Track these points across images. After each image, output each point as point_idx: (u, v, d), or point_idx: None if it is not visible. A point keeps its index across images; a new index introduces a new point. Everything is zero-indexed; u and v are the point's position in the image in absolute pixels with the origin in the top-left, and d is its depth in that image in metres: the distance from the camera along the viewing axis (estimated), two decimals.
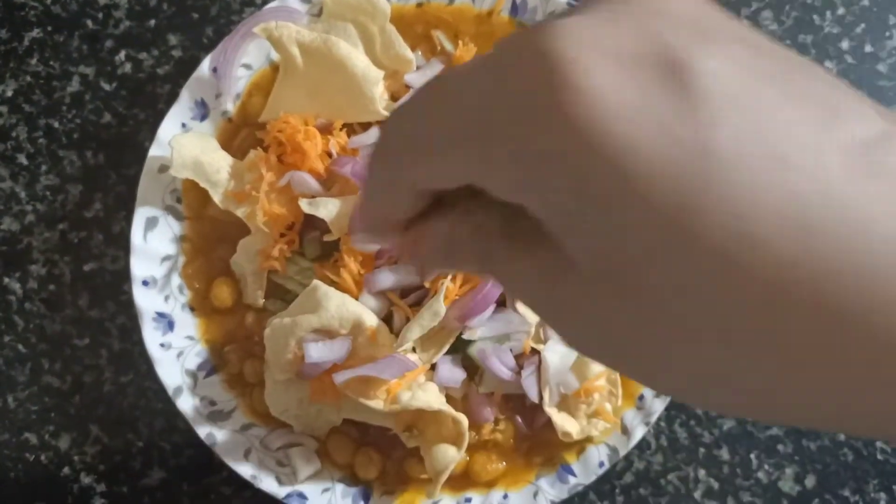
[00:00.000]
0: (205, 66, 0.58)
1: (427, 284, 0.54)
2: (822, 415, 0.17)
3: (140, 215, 0.57)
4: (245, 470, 0.54)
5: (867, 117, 0.16)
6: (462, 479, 0.56)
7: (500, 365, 0.54)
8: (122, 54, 0.64)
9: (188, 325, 0.57)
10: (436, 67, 0.59)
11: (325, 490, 0.55)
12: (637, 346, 0.18)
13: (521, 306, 0.55)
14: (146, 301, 0.56)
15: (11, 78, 0.64)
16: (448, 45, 0.60)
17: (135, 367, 0.60)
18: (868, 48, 0.64)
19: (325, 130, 0.57)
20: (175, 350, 0.56)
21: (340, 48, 0.56)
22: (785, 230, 0.15)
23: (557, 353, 0.54)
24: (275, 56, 0.59)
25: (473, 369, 0.55)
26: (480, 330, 0.54)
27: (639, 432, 0.55)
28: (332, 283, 0.54)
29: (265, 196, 0.55)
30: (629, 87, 0.15)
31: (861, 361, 0.15)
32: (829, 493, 0.58)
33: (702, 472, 0.59)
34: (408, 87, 0.59)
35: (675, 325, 0.17)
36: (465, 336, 0.54)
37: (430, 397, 0.52)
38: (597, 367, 0.55)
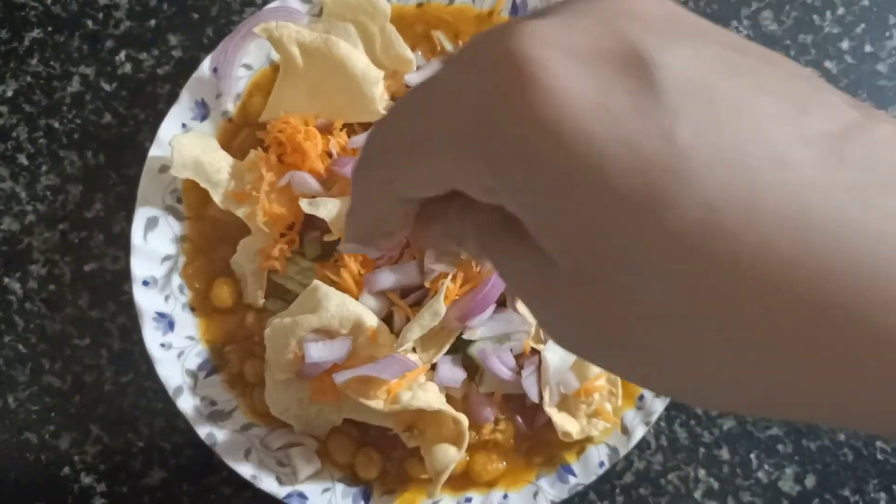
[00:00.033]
0: (205, 66, 0.58)
1: (427, 284, 0.54)
2: (822, 413, 0.17)
3: (140, 215, 0.57)
4: (245, 470, 0.54)
5: (835, 109, 0.16)
6: (462, 479, 0.56)
7: (501, 365, 0.54)
8: (123, 54, 0.64)
9: (188, 325, 0.57)
10: (436, 68, 0.59)
11: (326, 490, 0.55)
12: (621, 344, 0.18)
13: (521, 306, 0.55)
14: (146, 301, 0.56)
15: (12, 78, 0.64)
16: (448, 46, 0.60)
17: (135, 367, 0.60)
18: (868, 48, 0.64)
19: (326, 130, 0.57)
20: (175, 350, 0.56)
21: (340, 48, 0.56)
22: (749, 224, 0.15)
23: (557, 353, 0.54)
24: (275, 56, 0.59)
25: (473, 369, 0.55)
26: (480, 330, 0.54)
27: (639, 432, 0.55)
28: (332, 283, 0.54)
29: (265, 196, 0.55)
30: (592, 84, 0.16)
31: (861, 361, 0.15)
32: (829, 492, 0.58)
33: (702, 472, 0.59)
34: (408, 87, 0.59)
35: (658, 324, 0.17)
36: (466, 336, 0.54)
37: (430, 397, 0.52)
38: (597, 367, 0.55)
